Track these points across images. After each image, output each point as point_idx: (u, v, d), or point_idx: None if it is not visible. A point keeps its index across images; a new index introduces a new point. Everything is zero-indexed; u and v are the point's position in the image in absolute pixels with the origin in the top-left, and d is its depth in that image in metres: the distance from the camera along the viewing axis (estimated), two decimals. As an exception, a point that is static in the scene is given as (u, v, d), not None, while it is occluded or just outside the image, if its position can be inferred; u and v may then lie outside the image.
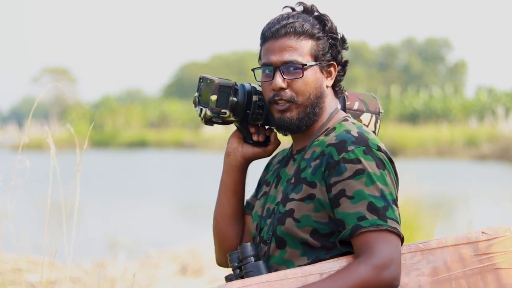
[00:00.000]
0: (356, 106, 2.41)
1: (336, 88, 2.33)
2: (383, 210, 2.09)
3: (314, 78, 2.25)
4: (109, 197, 18.86)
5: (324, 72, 2.29)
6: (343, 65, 2.30)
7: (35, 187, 7.05)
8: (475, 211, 8.14)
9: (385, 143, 2.35)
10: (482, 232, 2.19)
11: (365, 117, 2.39)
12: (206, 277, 8.16)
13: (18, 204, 7.01)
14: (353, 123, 2.26)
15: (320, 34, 2.27)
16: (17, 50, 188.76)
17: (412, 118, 53.50)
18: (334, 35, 2.29)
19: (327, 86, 2.29)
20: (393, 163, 2.20)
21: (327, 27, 2.27)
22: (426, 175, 9.66)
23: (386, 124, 48.64)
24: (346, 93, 2.38)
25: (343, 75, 2.30)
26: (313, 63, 2.24)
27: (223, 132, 50.60)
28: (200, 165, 31.36)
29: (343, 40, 2.30)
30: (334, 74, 2.31)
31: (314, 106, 2.25)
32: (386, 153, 2.18)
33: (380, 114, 2.37)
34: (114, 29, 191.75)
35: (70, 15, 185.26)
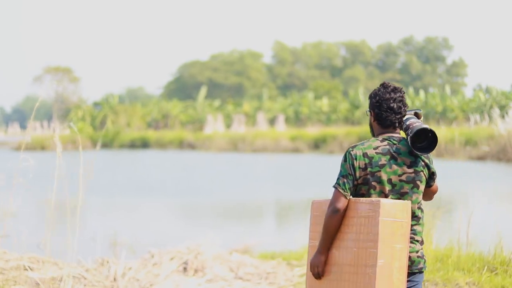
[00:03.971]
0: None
1: (378, 123, 4.35)
2: (337, 178, 4.27)
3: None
4: (111, 196, 18.93)
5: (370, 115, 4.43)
6: (375, 113, 4.35)
7: (38, 186, 7.13)
8: (473, 210, 8.21)
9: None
10: None
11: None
12: (207, 275, 8.23)
13: (21, 202, 7.07)
14: (368, 140, 4.32)
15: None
16: (19, 49, 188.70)
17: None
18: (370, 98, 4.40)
19: (372, 121, 4.39)
20: (355, 155, 4.23)
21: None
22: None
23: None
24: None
25: (379, 116, 4.33)
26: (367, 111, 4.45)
27: (223, 132, 50.65)
28: (201, 165, 31.45)
29: (374, 101, 4.33)
30: (371, 116, 4.39)
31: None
32: (349, 153, 4.26)
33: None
34: (115, 29, 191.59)
35: (72, 14, 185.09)
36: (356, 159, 4.22)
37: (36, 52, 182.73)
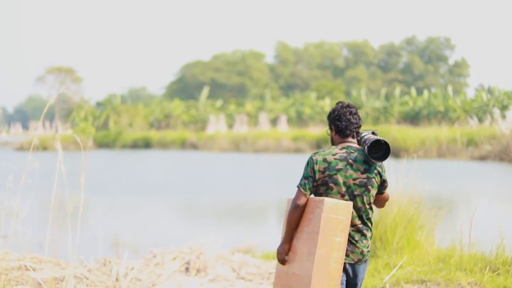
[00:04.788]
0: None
1: (339, 134, 5.06)
2: (300, 179, 4.96)
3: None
4: (113, 196, 18.94)
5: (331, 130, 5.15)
6: (335, 125, 5.07)
7: (40, 186, 7.13)
8: (475, 210, 8.21)
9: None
10: None
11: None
12: (209, 275, 8.24)
13: (24, 203, 7.06)
14: (329, 147, 5.06)
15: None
16: (22, 50, 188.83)
17: (414, 118, 53.52)
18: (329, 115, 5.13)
19: (333, 135, 5.09)
20: (316, 160, 4.94)
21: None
22: (427, 175, 9.71)
23: (388, 124, 48.70)
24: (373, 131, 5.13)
25: (338, 130, 5.05)
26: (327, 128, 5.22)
27: (225, 132, 50.66)
28: (203, 165, 31.45)
29: (334, 115, 5.06)
30: (332, 131, 5.11)
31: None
32: (311, 158, 4.97)
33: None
34: (118, 29, 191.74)
35: (74, 14, 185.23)
36: (316, 163, 4.94)
37: (38, 52, 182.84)
